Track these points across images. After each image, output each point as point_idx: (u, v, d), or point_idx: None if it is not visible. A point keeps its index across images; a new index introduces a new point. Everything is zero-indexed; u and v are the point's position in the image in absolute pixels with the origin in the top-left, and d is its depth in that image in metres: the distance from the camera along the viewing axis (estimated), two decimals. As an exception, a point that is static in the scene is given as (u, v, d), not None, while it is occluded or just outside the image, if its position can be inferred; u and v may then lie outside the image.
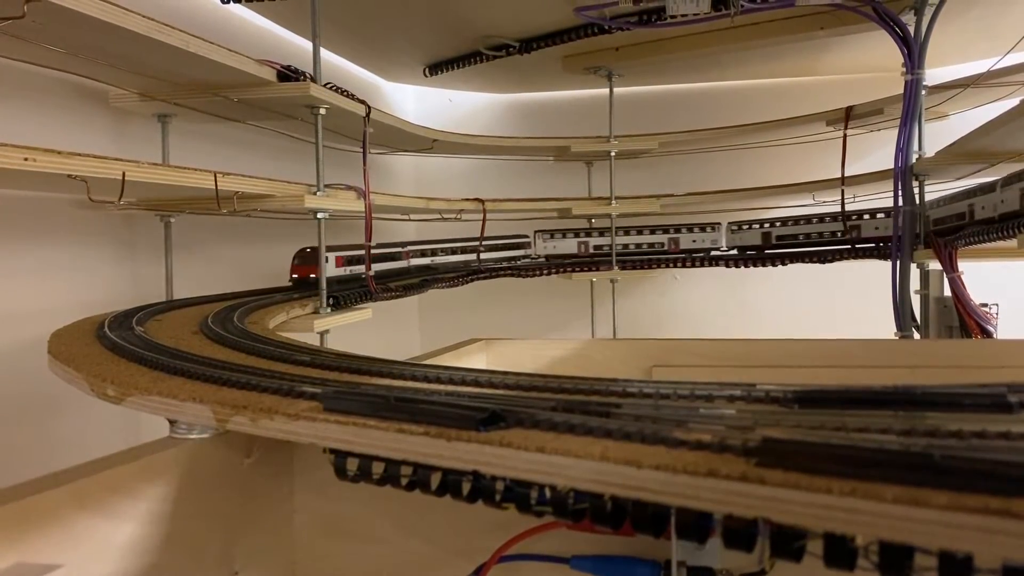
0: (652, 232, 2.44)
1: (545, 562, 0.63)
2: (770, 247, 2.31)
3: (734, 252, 2.38)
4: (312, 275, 1.62)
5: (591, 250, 2.45)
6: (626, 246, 2.46)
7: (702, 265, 2.42)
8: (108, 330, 0.97)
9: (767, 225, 2.31)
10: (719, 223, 2.41)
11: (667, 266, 2.44)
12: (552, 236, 2.49)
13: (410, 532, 0.72)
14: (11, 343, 1.29)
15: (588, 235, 2.49)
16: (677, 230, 2.43)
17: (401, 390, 0.59)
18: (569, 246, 2.48)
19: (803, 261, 2.24)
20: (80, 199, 1.32)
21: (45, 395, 1.29)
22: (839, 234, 2.20)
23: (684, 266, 2.44)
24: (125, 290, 1.54)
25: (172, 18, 1.19)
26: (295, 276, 1.65)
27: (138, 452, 0.63)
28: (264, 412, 0.57)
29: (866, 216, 2.17)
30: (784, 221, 2.28)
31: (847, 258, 2.18)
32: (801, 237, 2.26)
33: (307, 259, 1.66)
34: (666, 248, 2.43)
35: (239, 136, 1.84)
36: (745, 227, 2.35)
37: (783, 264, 2.28)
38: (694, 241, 2.41)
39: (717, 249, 2.41)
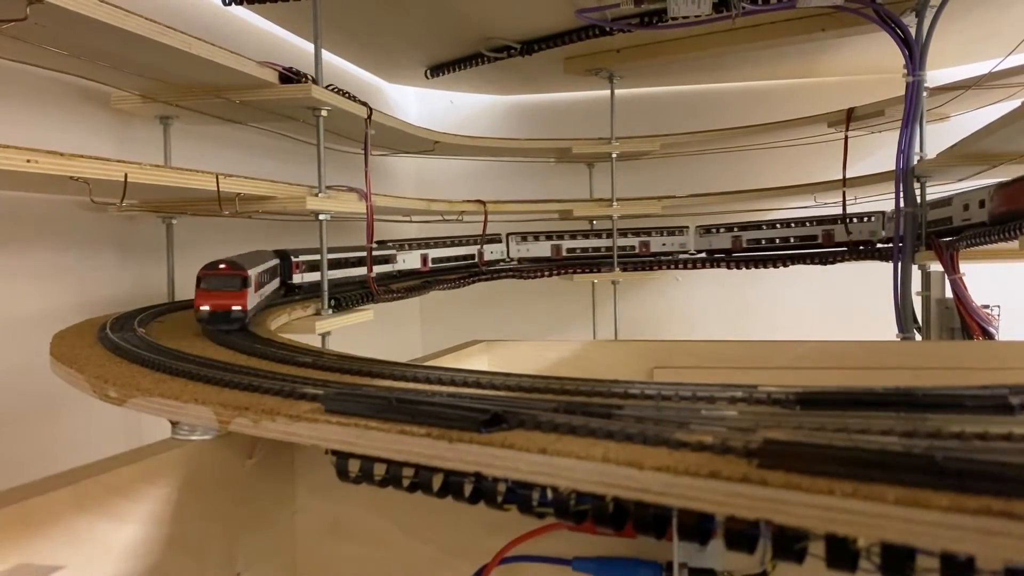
0: (462, 244, 2.44)
1: (547, 563, 0.63)
2: (561, 259, 2.52)
3: (515, 263, 2.55)
4: (236, 307, 1.01)
5: (430, 264, 2.34)
6: (445, 259, 2.39)
7: (492, 278, 2.48)
8: (110, 332, 0.97)
9: (556, 237, 2.53)
10: (500, 234, 2.55)
11: (473, 282, 2.43)
12: (404, 247, 2.28)
13: (411, 533, 0.72)
14: (13, 345, 1.29)
15: (428, 247, 2.35)
16: (485, 241, 2.48)
17: (403, 392, 0.59)
18: (414, 260, 2.31)
19: (578, 271, 2.47)
20: (82, 201, 1.32)
21: (47, 397, 1.30)
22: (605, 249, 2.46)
23: (478, 281, 2.45)
24: (127, 292, 1.54)
25: (174, 20, 1.19)
26: (205, 308, 1.01)
27: (140, 454, 0.64)
28: (266, 413, 0.57)
29: (654, 233, 2.44)
30: (573, 235, 2.53)
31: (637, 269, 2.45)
32: (590, 250, 2.51)
33: (220, 283, 1.03)
34: (476, 260, 2.46)
35: (241, 138, 1.84)
36: (531, 238, 2.54)
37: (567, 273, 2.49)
38: (491, 252, 2.50)
39: (504, 261, 2.56)
